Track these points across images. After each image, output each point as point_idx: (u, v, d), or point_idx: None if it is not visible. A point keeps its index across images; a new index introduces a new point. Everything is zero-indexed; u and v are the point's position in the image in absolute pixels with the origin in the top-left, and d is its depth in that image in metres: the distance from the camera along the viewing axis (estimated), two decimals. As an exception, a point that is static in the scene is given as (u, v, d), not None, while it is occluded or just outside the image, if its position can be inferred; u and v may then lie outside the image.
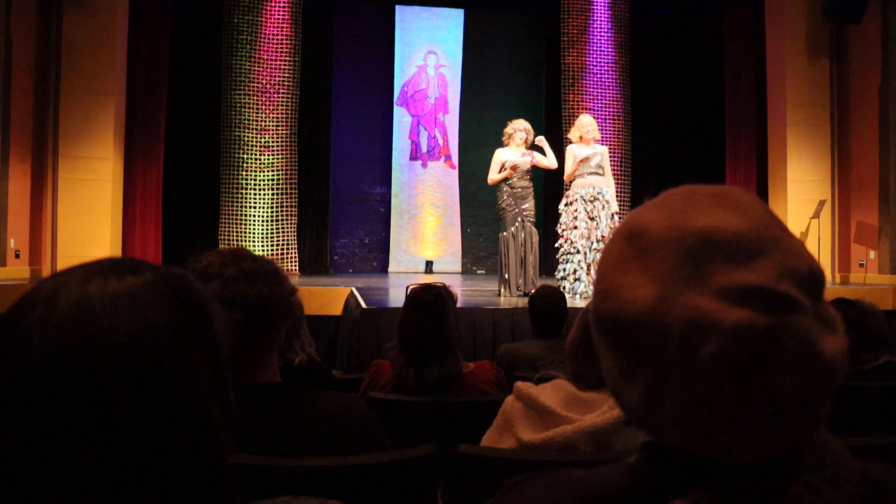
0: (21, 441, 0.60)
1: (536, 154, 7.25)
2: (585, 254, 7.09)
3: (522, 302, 6.49)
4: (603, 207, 7.08)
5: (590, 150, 7.19)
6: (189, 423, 0.64)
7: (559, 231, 7.32)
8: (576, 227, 7.15)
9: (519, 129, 7.25)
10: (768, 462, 0.65)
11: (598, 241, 7.04)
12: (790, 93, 9.53)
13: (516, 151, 7.23)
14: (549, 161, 7.30)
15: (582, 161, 7.12)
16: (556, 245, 7.35)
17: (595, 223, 7.07)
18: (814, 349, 0.63)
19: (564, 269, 7.25)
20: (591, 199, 7.10)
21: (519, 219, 7.15)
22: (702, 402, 0.63)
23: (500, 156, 7.24)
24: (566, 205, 7.27)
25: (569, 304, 3.78)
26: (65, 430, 0.60)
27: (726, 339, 0.62)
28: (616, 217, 7.13)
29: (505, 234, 7.18)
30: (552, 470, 0.76)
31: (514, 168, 7.12)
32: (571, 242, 7.15)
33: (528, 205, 7.22)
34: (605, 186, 7.17)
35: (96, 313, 0.63)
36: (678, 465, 0.68)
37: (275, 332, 1.56)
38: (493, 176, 7.24)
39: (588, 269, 7.10)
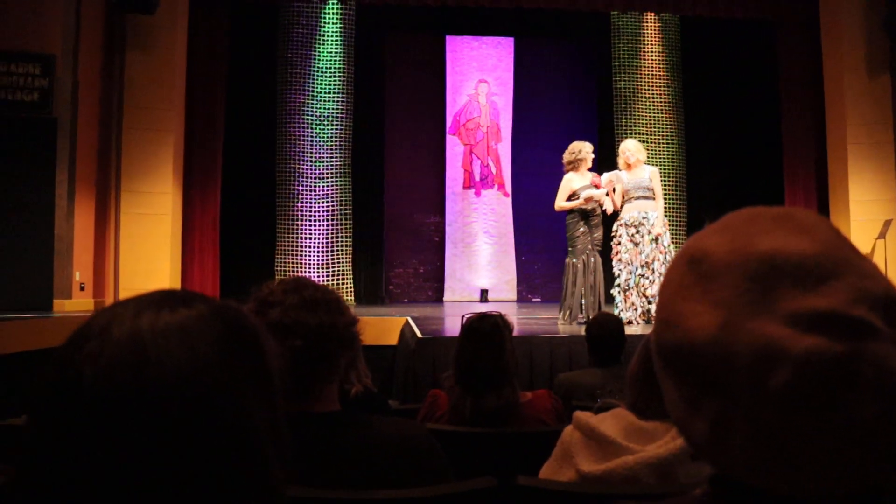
0: (70, 473, 0.60)
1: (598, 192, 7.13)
2: (624, 279, 7.01)
3: (578, 330, 6.42)
4: (648, 232, 6.97)
5: (637, 181, 7.03)
6: (240, 458, 0.63)
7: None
8: (617, 253, 7.07)
9: (589, 152, 7.18)
10: (845, 500, 0.61)
11: (641, 266, 6.95)
12: (850, 111, 9.31)
13: (584, 178, 7.15)
14: (607, 203, 7.16)
15: (587, 200, 7.01)
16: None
17: (639, 248, 6.97)
18: (893, 377, 0.59)
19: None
20: (636, 223, 7.00)
21: (590, 247, 7.10)
22: (772, 435, 0.60)
23: (571, 183, 7.12)
24: (613, 233, 7.21)
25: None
26: (114, 464, 0.60)
27: (797, 368, 0.59)
28: (660, 240, 7.02)
29: (574, 261, 7.11)
30: (615, 504, 0.74)
31: (588, 199, 7.02)
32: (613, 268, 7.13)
33: (599, 234, 7.17)
34: (654, 210, 7.05)
35: (147, 347, 0.63)
36: (747, 501, 0.64)
37: (334, 362, 1.54)
38: (562, 203, 7.14)
39: (625, 295, 7.01)
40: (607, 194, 7.12)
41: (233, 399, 0.64)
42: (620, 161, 7.27)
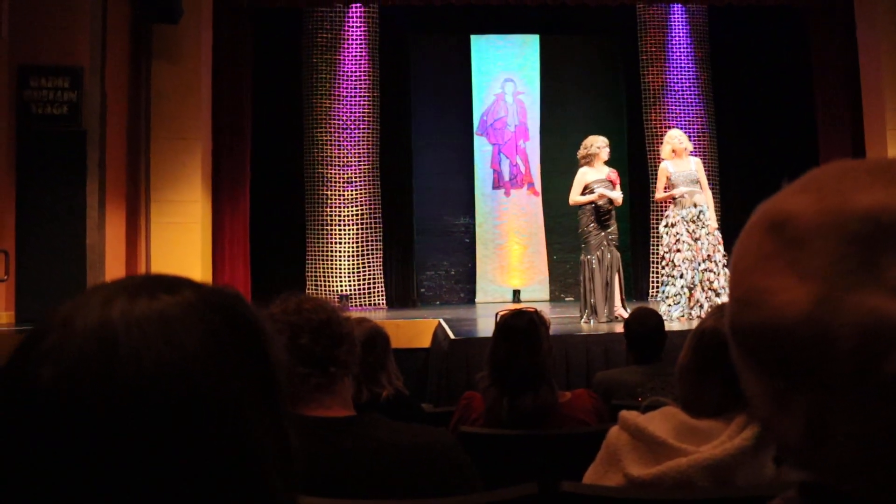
0: (32, 485, 0.50)
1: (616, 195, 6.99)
2: (690, 276, 6.78)
3: (612, 327, 6.29)
4: (704, 225, 6.79)
5: (685, 174, 6.87)
6: (231, 468, 0.53)
7: (662, 253, 7.04)
8: (678, 251, 6.84)
9: (602, 146, 7.05)
10: None
11: (703, 261, 6.75)
12: (889, 96, 9.06)
13: (600, 172, 7.03)
14: (617, 195, 7.04)
15: (680, 196, 6.82)
16: (661, 268, 7.09)
17: (699, 244, 6.77)
18: None
19: (665, 293, 6.98)
20: (694, 218, 6.81)
21: (605, 242, 6.95)
22: (885, 434, 0.49)
23: (585, 177, 7.03)
24: (667, 226, 6.97)
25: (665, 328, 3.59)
26: (79, 477, 0.50)
27: None
28: (716, 233, 6.83)
29: (590, 257, 6.97)
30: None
31: (601, 196, 6.90)
32: (675, 265, 6.85)
33: (613, 228, 7.02)
34: (704, 203, 6.89)
35: (118, 339, 0.53)
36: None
37: (342, 359, 1.51)
38: (577, 198, 7.04)
39: (690, 293, 6.78)
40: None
41: (223, 400, 0.53)
42: (666, 150, 7.10)
